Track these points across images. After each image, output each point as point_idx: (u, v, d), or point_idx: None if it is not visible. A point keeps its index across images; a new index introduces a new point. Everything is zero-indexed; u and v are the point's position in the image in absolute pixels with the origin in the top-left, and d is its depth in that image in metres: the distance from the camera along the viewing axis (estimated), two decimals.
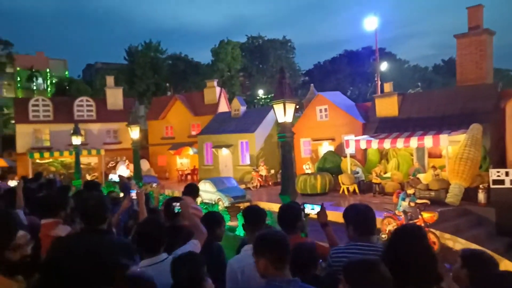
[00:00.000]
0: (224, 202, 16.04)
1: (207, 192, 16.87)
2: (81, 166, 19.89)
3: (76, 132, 19.67)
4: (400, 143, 15.51)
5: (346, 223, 2.88)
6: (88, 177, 26.77)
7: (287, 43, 63.59)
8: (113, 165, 27.92)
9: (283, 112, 9.34)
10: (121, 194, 6.28)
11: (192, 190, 5.17)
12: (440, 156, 16.93)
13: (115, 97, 29.60)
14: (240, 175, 23.45)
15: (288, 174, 9.70)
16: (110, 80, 30.33)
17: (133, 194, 4.62)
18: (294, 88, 67.70)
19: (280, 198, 9.69)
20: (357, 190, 16.88)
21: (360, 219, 2.83)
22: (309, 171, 19.80)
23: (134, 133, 16.37)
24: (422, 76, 66.05)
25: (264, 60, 60.91)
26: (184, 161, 28.82)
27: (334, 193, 17.58)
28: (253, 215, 3.34)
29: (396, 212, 10.73)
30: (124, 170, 26.96)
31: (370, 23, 26.09)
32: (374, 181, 16.40)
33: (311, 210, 3.85)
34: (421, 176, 15.82)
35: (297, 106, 9.39)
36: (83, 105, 28.36)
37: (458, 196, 13.17)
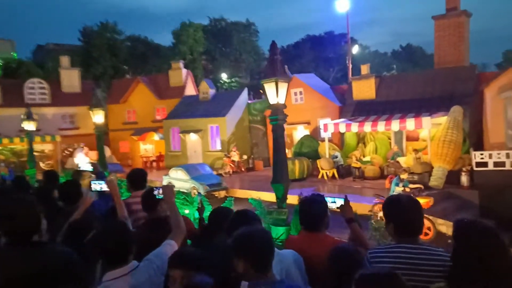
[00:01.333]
0: (199, 191, 14.99)
1: (180, 180, 15.73)
2: (35, 153, 18.08)
3: (29, 116, 17.77)
4: (381, 126, 15.13)
5: (386, 219, 2.42)
6: (42, 165, 24.69)
7: (250, 26, 62.43)
8: (71, 152, 25.88)
9: (275, 92, 8.42)
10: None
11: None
12: (417, 139, 16.77)
13: (71, 79, 27.22)
14: (211, 161, 22.37)
15: (280, 160, 8.82)
16: (65, 60, 27.84)
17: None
18: (258, 72, 67.14)
19: (272, 187, 8.84)
20: (336, 175, 16.41)
21: (404, 215, 2.34)
22: None
23: (98, 117, 14.86)
24: (382, 62, 67.38)
25: (227, 43, 59.47)
26: (148, 147, 27.25)
27: (313, 178, 17.03)
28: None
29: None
30: (82, 157, 25.04)
31: (342, 5, 25.61)
32: (353, 165, 15.98)
33: (332, 203, 3.22)
34: (401, 159, 15.56)
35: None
36: (35, 88, 25.84)
37: (441, 180, 12.96)
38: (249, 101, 24.80)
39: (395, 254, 2.23)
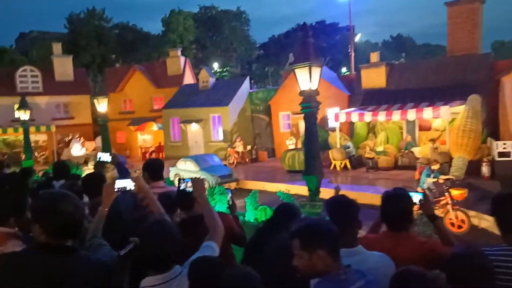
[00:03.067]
0: (210, 183, 14.46)
1: (189, 172, 15.16)
2: None
3: (24, 105, 16.94)
4: (396, 115, 14.81)
5: (495, 217, 2.27)
6: (37, 157, 23.76)
7: (241, 14, 61.48)
8: (66, 143, 24.98)
9: (308, 78, 7.95)
10: None
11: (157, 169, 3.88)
12: (429, 129, 16.56)
13: (64, 67, 26.13)
14: (213, 152, 21.78)
15: (313, 150, 8.39)
16: (57, 47, 26.66)
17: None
18: (248, 62, 66.36)
19: (304, 179, 8.41)
20: (348, 166, 16.08)
21: None
22: (292, 147, 18.71)
23: (102, 106, 14.22)
24: (373, 51, 67.34)
25: (218, 31, 58.47)
26: (146, 137, 26.49)
27: (324, 169, 16.60)
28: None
29: (419, 189, 9.90)
30: (78, 148, 24.25)
31: None
32: (367, 155, 15.66)
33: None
34: (415, 149, 15.34)
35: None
36: (27, 76, 24.70)
37: (462, 170, 12.72)
38: (251, 90, 24.25)
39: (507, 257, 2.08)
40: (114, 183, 2.79)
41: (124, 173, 4.07)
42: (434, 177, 9.78)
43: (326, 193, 8.27)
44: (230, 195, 4.76)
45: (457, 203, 9.33)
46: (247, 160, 20.92)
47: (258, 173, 17.56)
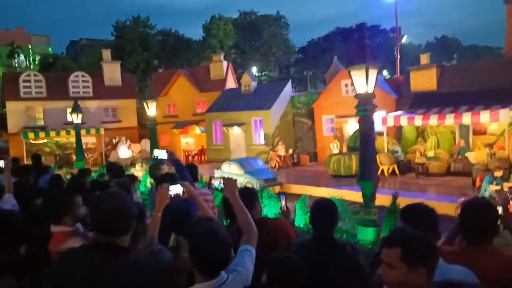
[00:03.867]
0: (255, 186, 14.43)
1: (233, 175, 15.20)
2: None
3: (76, 109, 17.69)
4: (449, 118, 14.15)
5: None
6: (87, 158, 24.74)
7: (280, 19, 61.52)
8: (114, 145, 25.87)
9: (364, 80, 7.73)
10: None
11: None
12: (485, 133, 15.71)
13: (112, 72, 27.17)
14: (254, 155, 21.79)
15: (369, 155, 8.14)
16: (106, 54, 27.79)
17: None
18: (286, 66, 66.17)
19: (359, 184, 8.14)
20: (397, 171, 15.52)
21: None
22: (336, 151, 18.34)
23: (151, 109, 14.64)
24: (416, 54, 65.20)
25: (257, 36, 58.78)
26: (189, 140, 26.95)
27: None
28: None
29: (480, 197, 9.34)
30: (125, 151, 25.03)
31: None
32: (417, 160, 15.04)
33: None
34: (469, 155, 14.56)
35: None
36: (79, 81, 25.88)
37: None
38: (293, 94, 24.08)
39: None
40: (167, 187, 2.70)
41: (183, 172, 3.98)
42: (496, 185, 9.19)
43: (378, 199, 7.98)
44: (284, 200, 4.61)
45: None
46: (289, 164, 20.74)
47: (301, 177, 17.34)
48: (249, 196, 2.93)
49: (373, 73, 7.55)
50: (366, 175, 7.73)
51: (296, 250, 2.51)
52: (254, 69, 55.83)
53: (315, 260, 2.43)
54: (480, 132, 15.75)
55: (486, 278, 1.94)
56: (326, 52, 60.76)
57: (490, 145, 13.73)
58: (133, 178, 6.18)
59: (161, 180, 3.71)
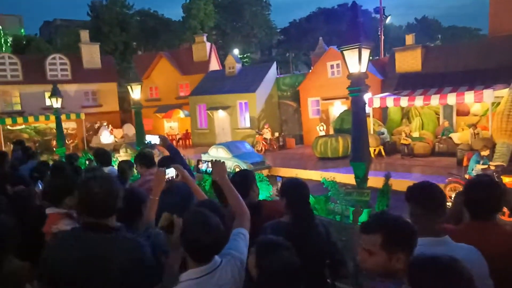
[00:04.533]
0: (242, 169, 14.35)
1: (221, 159, 15.06)
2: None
3: (56, 93, 17.22)
4: (435, 99, 14.27)
5: None
6: (67, 144, 24.12)
7: None
8: (96, 129, 25.27)
9: (357, 60, 7.67)
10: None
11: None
12: (468, 114, 15.97)
13: (91, 54, 26.25)
14: (240, 139, 21.67)
15: (361, 136, 8.14)
16: (84, 34, 26.77)
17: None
18: (268, 47, 65.49)
19: (351, 165, 8.17)
20: (383, 152, 15.69)
21: None
22: (322, 133, 18.38)
23: (136, 92, 14.22)
24: (397, 35, 65.50)
25: (239, 17, 57.69)
26: (173, 124, 26.54)
27: None
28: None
29: (467, 176, 9.52)
30: (107, 136, 24.52)
31: None
32: (403, 142, 15.22)
33: None
34: (453, 135, 14.81)
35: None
36: (56, 64, 24.91)
37: (506, 156, 12.15)
38: (278, 76, 23.88)
39: None
40: (164, 171, 2.72)
41: (177, 155, 3.90)
42: (483, 164, 9.37)
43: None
44: (280, 182, 4.60)
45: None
46: (275, 147, 20.71)
47: (288, 160, 17.35)
48: (247, 178, 2.93)
49: (366, 53, 7.47)
50: (359, 156, 7.74)
51: (272, 232, 2.41)
52: (236, 51, 55.03)
53: (295, 242, 2.36)
54: (463, 113, 16.01)
55: (492, 254, 1.95)
56: (308, 33, 60.31)
57: (474, 126, 13.97)
58: (131, 164, 6.00)
59: (159, 164, 3.63)
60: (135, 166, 4.51)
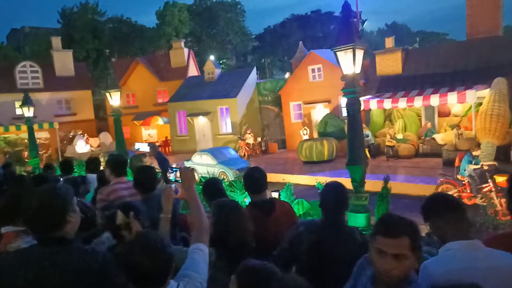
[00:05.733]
0: (228, 176, 13.98)
1: (206, 166, 14.66)
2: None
3: (27, 102, 16.34)
4: (418, 101, 14.37)
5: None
6: (40, 154, 23.05)
7: (236, 5, 60.43)
8: (71, 138, 24.28)
9: (351, 61, 7.47)
10: None
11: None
12: (448, 115, 16.19)
13: (64, 61, 25.28)
14: (222, 145, 21.30)
15: (357, 139, 7.93)
16: (56, 41, 25.78)
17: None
18: (243, 54, 65.48)
19: (348, 169, 7.94)
20: (368, 155, 15.58)
21: None
22: (306, 137, 18.24)
23: (115, 99, 13.58)
24: (368, 40, 66.87)
25: (214, 23, 57.49)
26: (152, 132, 25.86)
27: (343, 159, 16.09)
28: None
29: (459, 177, 9.51)
30: (83, 145, 23.59)
31: None
32: (387, 143, 15.25)
33: None
34: (436, 136, 14.95)
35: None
36: (27, 71, 23.82)
37: (491, 156, 12.34)
38: (258, 81, 23.68)
39: None
40: (172, 188, 2.68)
41: (165, 164, 3.66)
42: (475, 164, 9.38)
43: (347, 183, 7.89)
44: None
45: (501, 190, 8.95)
46: (258, 152, 20.45)
47: (273, 165, 17.09)
48: (264, 175, 2.99)
49: (360, 53, 7.30)
50: (356, 159, 7.52)
51: (305, 230, 2.46)
52: (211, 57, 54.66)
53: (324, 244, 2.38)
54: (444, 114, 16.22)
55: None
56: (283, 39, 60.72)
57: (458, 126, 14.13)
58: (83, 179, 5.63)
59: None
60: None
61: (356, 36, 7.25)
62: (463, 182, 9.39)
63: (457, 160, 10.02)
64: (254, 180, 2.96)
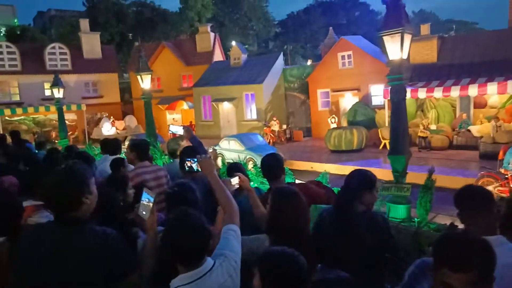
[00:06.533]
0: (256, 163, 13.86)
1: (233, 151, 14.60)
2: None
3: (57, 83, 16.57)
4: (455, 91, 13.87)
5: None
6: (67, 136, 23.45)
7: None
8: (97, 121, 24.59)
9: (398, 46, 7.14)
10: None
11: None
12: (485, 106, 15.62)
13: (91, 44, 25.45)
14: (246, 131, 21.18)
15: (401, 128, 7.63)
16: (84, 24, 25.94)
17: None
18: (265, 40, 64.77)
19: (389, 159, 7.68)
20: None
21: None
22: (334, 125, 17.94)
23: (146, 82, 13.57)
24: None
25: (237, 9, 56.92)
26: (176, 116, 25.93)
27: (372, 149, 15.92)
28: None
29: (502, 170, 9.14)
30: (109, 128, 23.86)
31: None
32: (420, 134, 14.83)
33: None
34: (472, 128, 14.46)
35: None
36: (56, 53, 24.08)
37: None
38: (285, 67, 23.36)
39: None
40: (230, 181, 2.61)
41: (200, 147, 3.56)
42: None
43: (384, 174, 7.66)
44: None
45: None
46: (282, 140, 20.26)
47: (301, 152, 16.90)
48: (280, 161, 3.01)
49: (408, 38, 7.00)
50: (398, 149, 7.27)
51: (327, 216, 2.47)
52: (233, 43, 54.30)
53: (343, 229, 2.38)
54: (480, 105, 15.66)
55: None
56: (306, 26, 59.73)
57: (496, 118, 13.60)
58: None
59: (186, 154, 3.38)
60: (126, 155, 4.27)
61: (405, 20, 6.95)
62: (506, 176, 9.03)
63: (501, 153, 9.63)
64: (268, 167, 3.01)
